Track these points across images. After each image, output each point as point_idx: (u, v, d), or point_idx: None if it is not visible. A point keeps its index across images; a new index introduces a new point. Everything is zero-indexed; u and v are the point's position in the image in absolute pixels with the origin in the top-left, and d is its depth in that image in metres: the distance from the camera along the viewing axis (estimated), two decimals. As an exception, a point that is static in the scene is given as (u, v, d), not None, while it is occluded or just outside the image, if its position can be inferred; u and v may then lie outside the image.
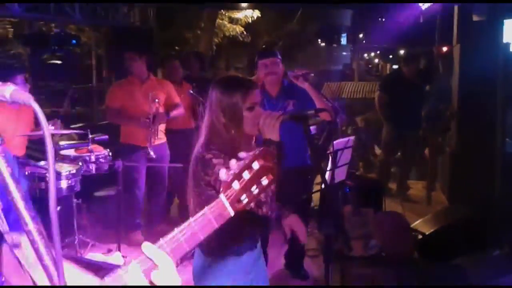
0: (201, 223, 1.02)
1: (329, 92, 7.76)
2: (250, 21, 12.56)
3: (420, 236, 3.99)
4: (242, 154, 1.11)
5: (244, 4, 7.53)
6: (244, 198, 1.08)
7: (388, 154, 6.10)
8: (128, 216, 4.47)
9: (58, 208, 3.65)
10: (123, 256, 3.45)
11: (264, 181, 1.10)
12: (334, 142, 3.82)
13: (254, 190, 1.09)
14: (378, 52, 13.32)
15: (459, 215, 4.22)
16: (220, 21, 12.32)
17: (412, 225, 4.16)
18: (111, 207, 4.63)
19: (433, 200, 5.73)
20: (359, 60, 11.98)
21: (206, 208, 1.05)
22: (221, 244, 2.03)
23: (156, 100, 4.30)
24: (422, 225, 4.12)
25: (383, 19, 11.94)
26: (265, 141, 2.05)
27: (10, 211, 1.00)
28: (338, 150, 3.72)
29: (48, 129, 0.73)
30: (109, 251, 4.07)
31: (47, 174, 3.92)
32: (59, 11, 5.39)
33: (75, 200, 4.19)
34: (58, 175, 3.81)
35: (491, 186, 4.97)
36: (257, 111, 2.06)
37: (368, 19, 12.36)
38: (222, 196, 1.07)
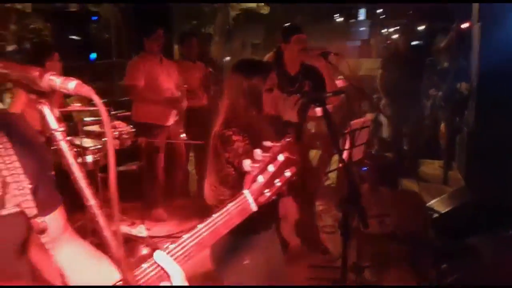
0: (224, 219, 1.01)
1: (347, 69, 7.71)
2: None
3: (435, 215, 4.05)
4: (267, 143, 1.08)
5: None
6: (267, 192, 1.05)
7: (395, 132, 6.16)
8: (149, 192, 4.60)
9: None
10: (146, 229, 3.64)
11: (287, 173, 1.07)
12: (351, 122, 3.87)
13: (277, 182, 1.06)
14: (398, 27, 13.09)
15: (474, 195, 4.27)
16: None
17: (427, 204, 4.23)
18: (133, 181, 4.77)
19: (449, 180, 5.77)
20: (377, 36, 11.80)
21: (229, 205, 1.02)
22: (249, 223, 2.12)
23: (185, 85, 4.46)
24: (437, 204, 4.18)
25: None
26: (285, 123, 2.13)
27: (39, 190, 0.98)
28: (355, 130, 3.77)
29: (106, 114, 0.74)
30: (133, 223, 4.23)
31: (74, 150, 4.05)
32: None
33: (99, 174, 4.33)
34: (84, 150, 3.94)
35: (508, 167, 4.98)
36: (276, 93, 2.15)
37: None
38: (246, 192, 1.04)
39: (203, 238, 0.98)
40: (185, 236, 0.97)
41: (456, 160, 6.24)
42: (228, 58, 11.12)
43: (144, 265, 0.94)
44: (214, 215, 1.01)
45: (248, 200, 1.03)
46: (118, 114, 4.65)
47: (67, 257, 1.06)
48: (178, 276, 0.93)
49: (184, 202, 4.85)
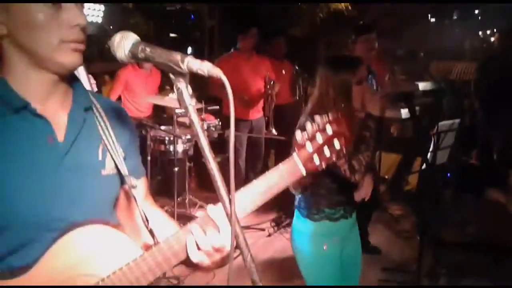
0: (275, 176, 1.10)
1: (437, 72, 7.47)
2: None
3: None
4: (317, 118, 1.16)
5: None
6: (317, 160, 1.14)
7: (485, 139, 5.86)
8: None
9: (176, 169, 4.08)
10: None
11: (336, 145, 1.15)
12: (439, 123, 3.79)
13: (327, 152, 1.14)
14: (495, 30, 12.31)
15: None
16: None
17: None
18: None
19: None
20: (472, 38, 11.21)
21: (280, 164, 1.12)
22: (318, 209, 2.24)
23: (272, 82, 4.58)
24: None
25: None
26: (366, 115, 2.22)
27: (127, 159, 1.20)
28: (441, 132, 3.70)
29: (231, 95, 0.82)
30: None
31: (166, 138, 4.38)
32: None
33: (188, 164, 4.63)
34: (177, 139, 4.24)
35: None
36: (365, 86, 2.23)
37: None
38: (295, 155, 1.13)
39: (253, 194, 1.08)
40: (239, 191, 1.08)
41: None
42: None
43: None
44: (267, 173, 1.11)
45: (297, 162, 1.12)
46: (208, 107, 4.93)
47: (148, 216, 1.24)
48: (225, 230, 1.05)
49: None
